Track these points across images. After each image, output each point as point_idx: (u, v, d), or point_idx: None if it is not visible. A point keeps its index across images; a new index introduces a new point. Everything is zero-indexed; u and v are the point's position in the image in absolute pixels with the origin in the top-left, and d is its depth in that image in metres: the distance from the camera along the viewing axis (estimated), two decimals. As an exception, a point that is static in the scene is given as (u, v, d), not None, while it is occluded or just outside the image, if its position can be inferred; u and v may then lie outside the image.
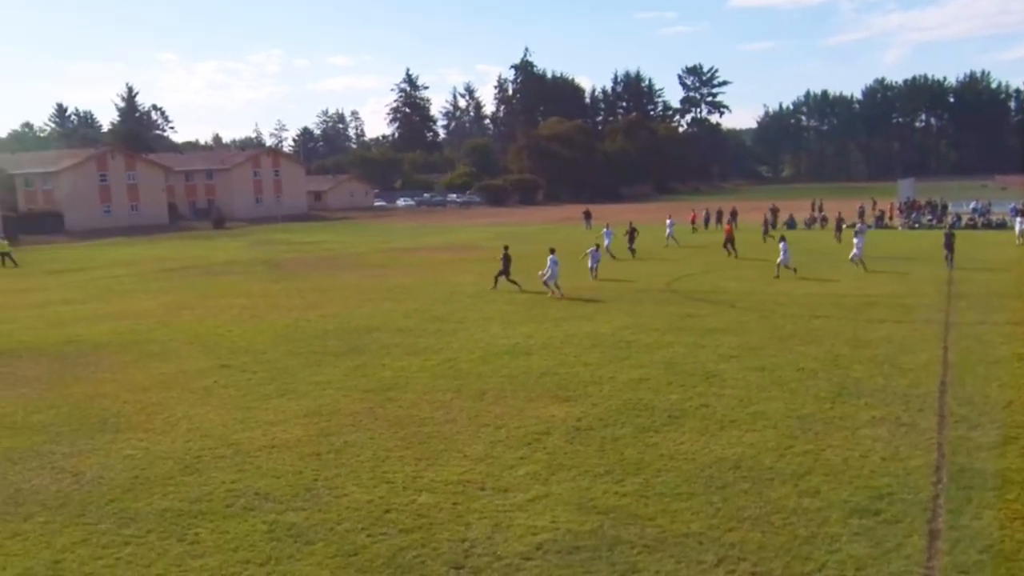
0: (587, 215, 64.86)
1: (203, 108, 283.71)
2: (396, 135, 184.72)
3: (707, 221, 60.68)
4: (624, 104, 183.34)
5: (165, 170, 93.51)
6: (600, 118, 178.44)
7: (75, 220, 78.69)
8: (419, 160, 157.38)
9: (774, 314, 23.84)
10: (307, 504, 10.96)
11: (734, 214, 57.45)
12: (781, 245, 32.29)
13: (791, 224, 59.79)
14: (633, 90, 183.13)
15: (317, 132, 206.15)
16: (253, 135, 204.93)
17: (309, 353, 20.27)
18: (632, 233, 41.36)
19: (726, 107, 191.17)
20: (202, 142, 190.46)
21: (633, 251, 40.89)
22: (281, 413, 15.18)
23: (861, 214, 59.93)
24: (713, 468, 11.83)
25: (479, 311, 25.83)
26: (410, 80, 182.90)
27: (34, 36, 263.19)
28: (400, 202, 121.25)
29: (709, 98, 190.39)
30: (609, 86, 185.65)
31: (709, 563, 9.12)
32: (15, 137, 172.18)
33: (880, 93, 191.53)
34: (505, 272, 29.64)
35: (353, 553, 9.55)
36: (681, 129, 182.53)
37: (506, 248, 30.61)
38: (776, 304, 25.56)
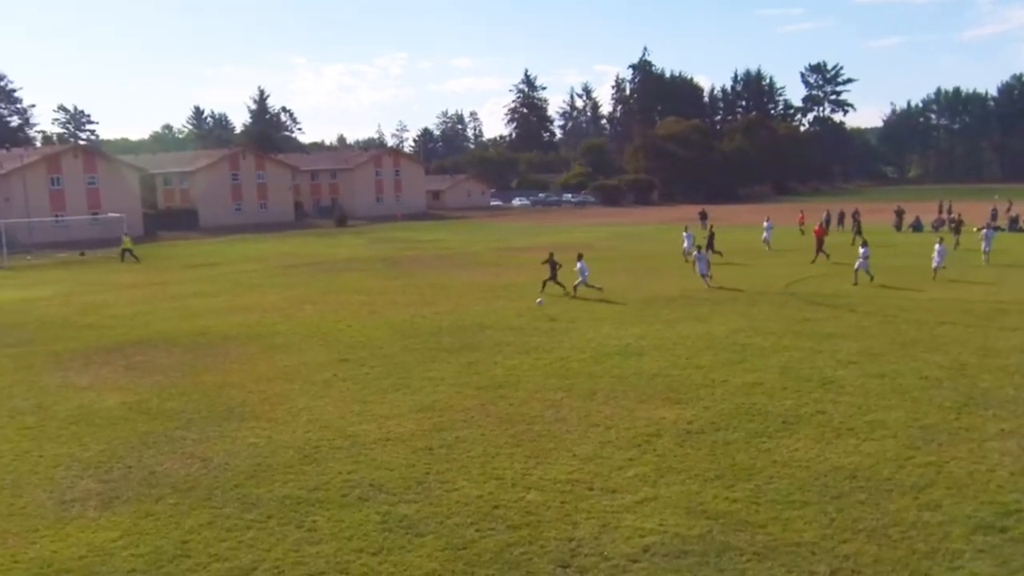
0: (703, 215, 63.74)
1: (330, 110, 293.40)
2: (513, 135, 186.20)
3: (827, 222, 58.37)
4: (744, 103, 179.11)
5: (292, 170, 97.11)
6: (718, 117, 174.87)
7: (208, 217, 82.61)
8: (535, 160, 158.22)
9: (896, 319, 22.92)
10: (419, 497, 11.23)
11: (856, 216, 55.35)
12: (861, 251, 30.60)
13: (917, 226, 57.09)
14: (753, 88, 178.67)
15: (437, 133, 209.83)
16: (376, 136, 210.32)
17: (424, 349, 20.71)
18: (711, 237, 39.78)
19: (851, 105, 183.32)
20: (327, 143, 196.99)
21: (718, 253, 39.67)
22: (396, 407, 15.59)
23: (994, 216, 56.77)
24: (828, 477, 11.50)
25: (591, 311, 25.80)
26: (528, 81, 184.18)
27: (176, 44, 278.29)
28: (516, 202, 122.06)
29: (833, 96, 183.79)
30: (728, 85, 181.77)
31: (821, 574, 8.90)
32: (156, 138, 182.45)
33: (1017, 90, 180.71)
34: (552, 277, 29.53)
35: (462, 547, 9.74)
36: (803, 128, 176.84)
37: (551, 255, 30.43)
38: (899, 309, 24.55)
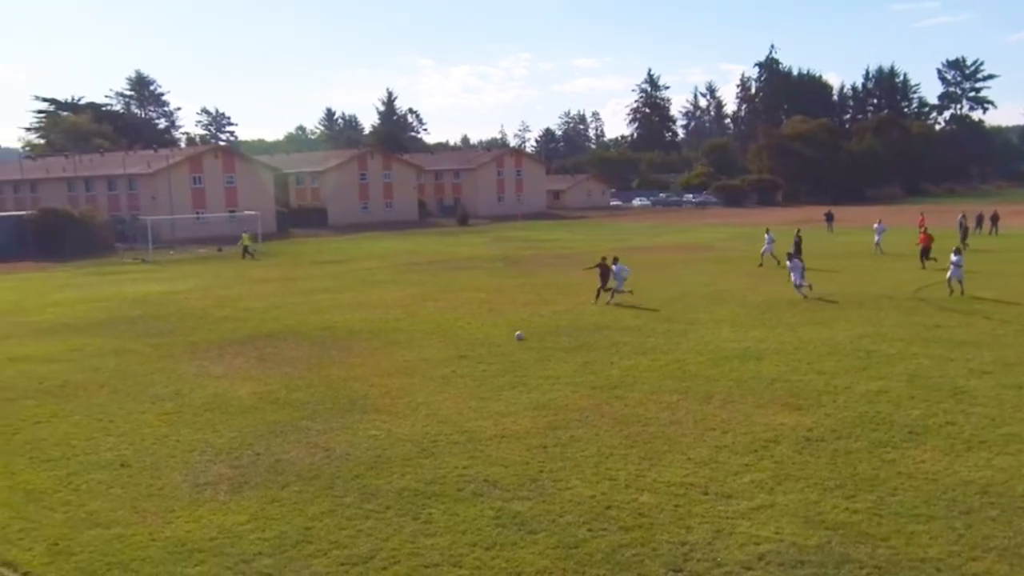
0: (829, 217, 61.61)
1: (455, 111, 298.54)
2: (635, 135, 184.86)
3: (961, 226, 55.19)
4: (875, 101, 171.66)
5: (417, 169, 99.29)
6: (847, 116, 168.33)
7: (337, 215, 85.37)
8: (656, 160, 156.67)
9: (1041, 328, 21.63)
10: (532, 494, 11.35)
11: (995, 219, 52.43)
12: (953, 258, 27.81)
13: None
14: (886, 86, 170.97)
15: (558, 133, 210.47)
16: (499, 136, 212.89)
17: (541, 348, 20.85)
18: (799, 241, 37.70)
19: (991, 103, 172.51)
20: (451, 143, 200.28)
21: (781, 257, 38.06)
22: (512, 404, 15.77)
23: None
24: (957, 491, 11.00)
25: (710, 313, 25.39)
26: (651, 80, 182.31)
27: (312, 48, 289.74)
28: (636, 201, 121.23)
29: (972, 93, 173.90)
30: (859, 82, 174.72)
31: (947, 592, 8.54)
32: (290, 139, 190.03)
33: None
34: (603, 285, 27.83)
35: (574, 546, 9.79)
36: (938, 127, 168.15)
37: (603, 259, 28.63)
38: (1043, 318, 23.15)
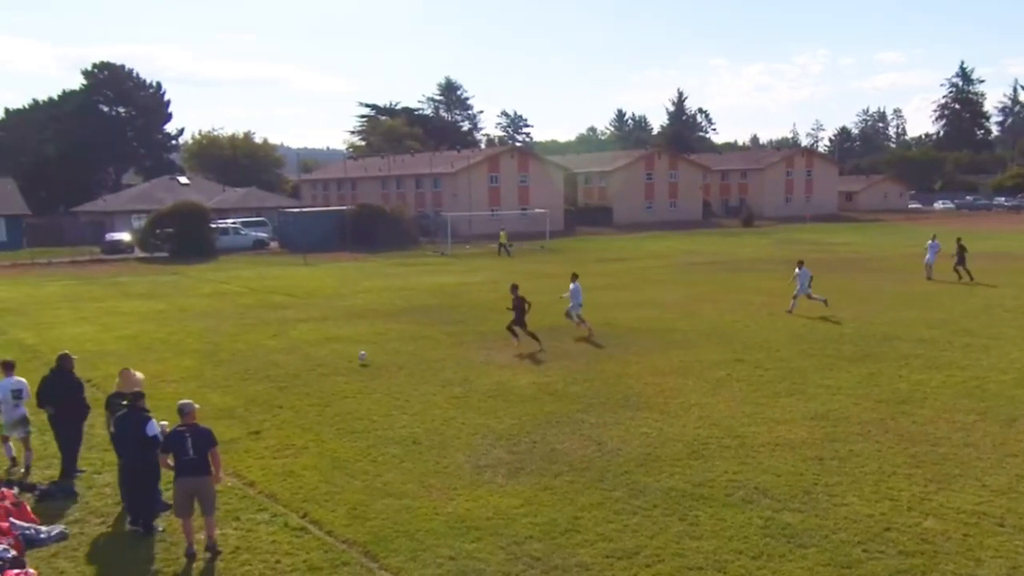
0: None
1: (745, 110, 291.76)
2: (941, 133, 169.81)
3: None
4: None
5: (703, 169, 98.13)
6: None
7: (622, 214, 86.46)
8: (964, 160, 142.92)
9: None
10: (804, 507, 10.99)
11: None
12: None
13: None
14: None
15: (855, 131, 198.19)
16: (790, 135, 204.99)
17: (822, 356, 19.97)
18: (961, 252, 33.54)
19: None
20: (740, 143, 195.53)
21: (959, 272, 33.63)
22: (788, 412, 15.29)
23: None
24: None
25: (1018, 327, 22.92)
26: (963, 74, 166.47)
27: (606, 51, 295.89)
28: (937, 204, 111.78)
29: None
30: None
31: None
32: (581, 140, 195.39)
33: None
34: (517, 321, 21.93)
35: (847, 565, 9.39)
36: None
37: (514, 288, 22.34)
38: None
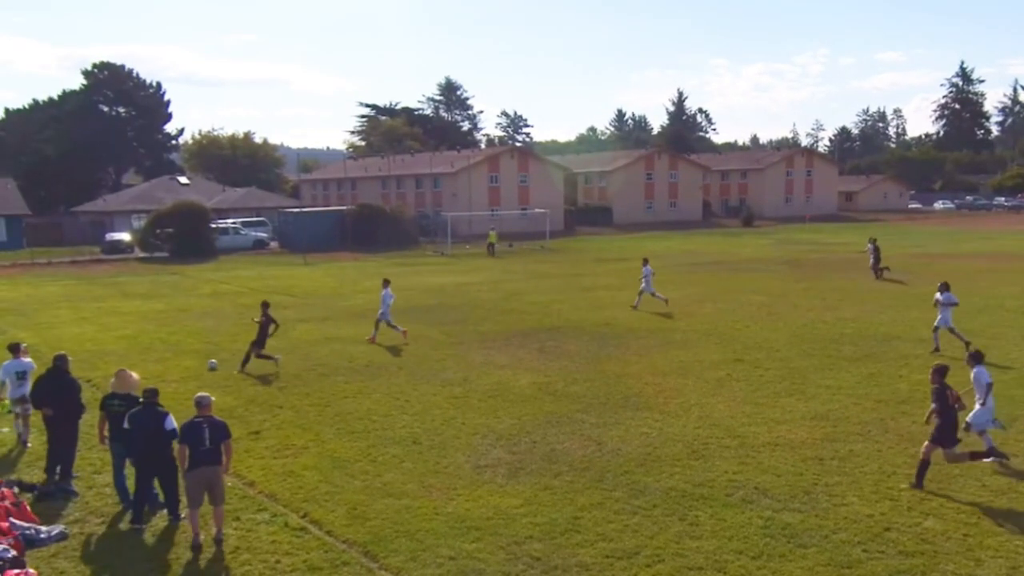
0: None
1: (745, 110, 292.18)
2: (941, 133, 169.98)
3: None
4: None
5: (703, 170, 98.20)
6: None
7: (621, 214, 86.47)
8: (964, 160, 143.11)
9: None
10: (804, 507, 10.99)
11: None
12: None
13: None
14: None
15: (855, 131, 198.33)
16: (790, 135, 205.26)
17: (823, 356, 19.98)
18: (876, 252, 35.13)
19: None
20: (740, 143, 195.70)
21: (877, 272, 35.21)
22: (788, 412, 15.30)
23: None
24: None
25: (1018, 327, 22.92)
26: (963, 74, 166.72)
27: (606, 51, 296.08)
28: (937, 205, 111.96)
29: None
30: None
31: None
32: (581, 140, 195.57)
33: None
34: (257, 347, 19.96)
35: (847, 565, 9.39)
36: None
37: (265, 305, 20.58)
38: None
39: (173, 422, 10.90)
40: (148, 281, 41.02)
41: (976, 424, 12.43)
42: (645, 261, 28.18)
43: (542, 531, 10.45)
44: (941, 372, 12.00)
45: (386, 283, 23.82)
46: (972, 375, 12.58)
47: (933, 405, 11.81)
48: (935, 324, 20.44)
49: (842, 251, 50.98)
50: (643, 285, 27.65)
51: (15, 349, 14.30)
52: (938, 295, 20.62)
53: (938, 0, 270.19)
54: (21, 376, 13.96)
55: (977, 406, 12.47)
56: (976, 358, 12.75)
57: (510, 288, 35.18)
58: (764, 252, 51.81)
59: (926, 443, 11.67)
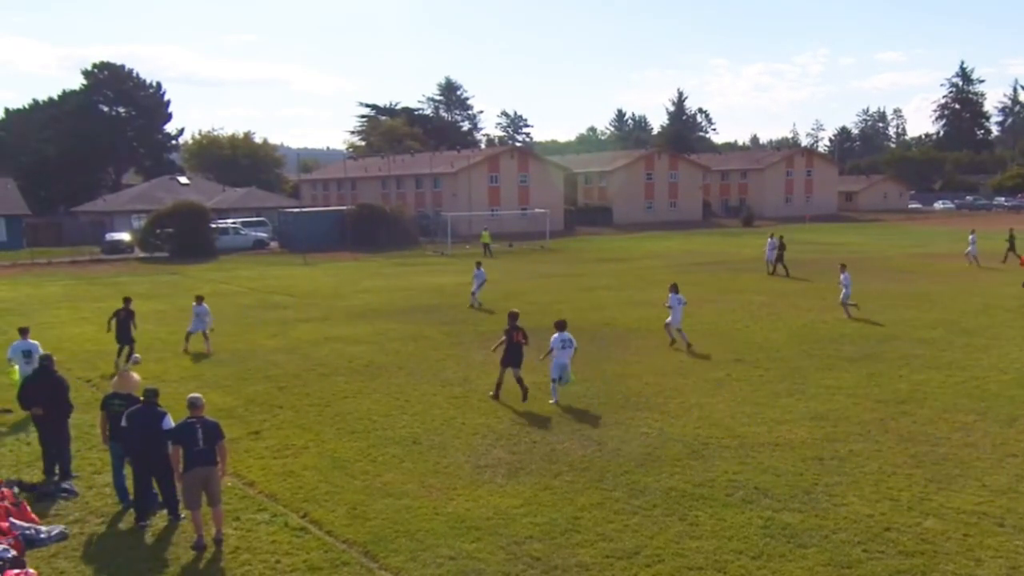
0: None
1: (745, 110, 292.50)
2: (941, 133, 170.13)
3: None
4: None
5: (703, 170, 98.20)
6: None
7: (621, 214, 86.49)
8: (964, 160, 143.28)
9: None
10: (804, 507, 10.99)
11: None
12: None
13: None
14: None
15: (855, 131, 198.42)
16: (790, 135, 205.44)
17: (823, 356, 19.98)
18: (781, 248, 37.44)
19: None
20: (740, 143, 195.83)
21: (774, 267, 37.72)
22: (788, 412, 15.30)
23: None
24: None
25: (1018, 327, 22.92)
26: (963, 74, 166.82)
27: (606, 51, 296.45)
28: (938, 204, 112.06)
29: None
30: None
31: None
32: (581, 140, 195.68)
33: None
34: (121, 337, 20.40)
35: (846, 565, 9.38)
36: None
37: (127, 302, 21.01)
38: None
39: (171, 422, 10.90)
40: (148, 281, 41.02)
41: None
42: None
43: (542, 531, 10.45)
44: (513, 317, 17.10)
45: (199, 299, 22.50)
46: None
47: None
48: (667, 321, 21.90)
49: (842, 251, 50.94)
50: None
51: (24, 332, 16.53)
52: (670, 296, 21.72)
53: (938, 0, 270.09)
54: (27, 355, 15.67)
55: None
56: (559, 326, 16.82)
57: (510, 288, 35.18)
58: (764, 252, 51.66)
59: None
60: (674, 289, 21.70)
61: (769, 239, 40.14)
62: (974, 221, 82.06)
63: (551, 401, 16.19)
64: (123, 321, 20.60)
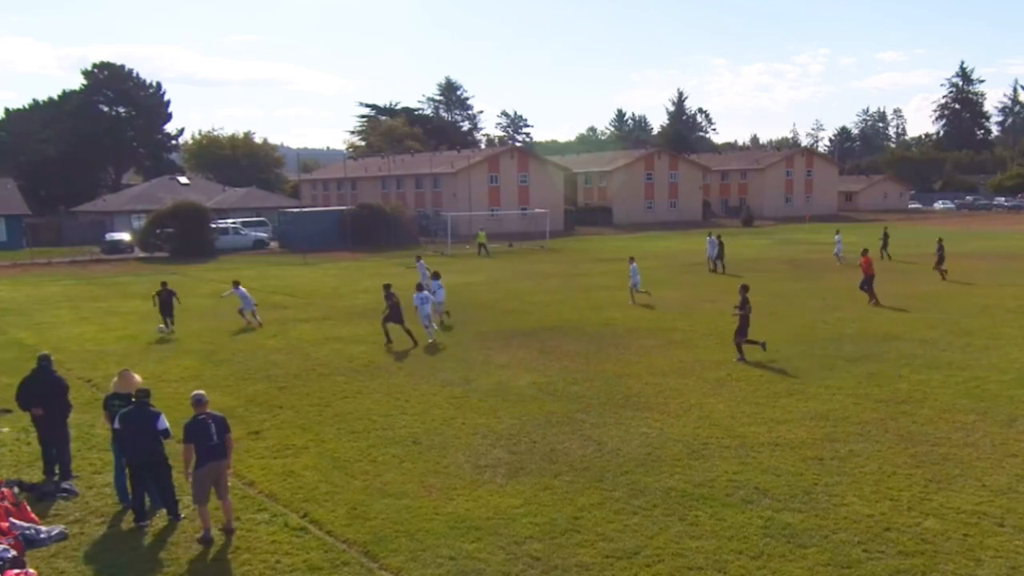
0: None
1: (745, 109, 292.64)
2: (941, 133, 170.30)
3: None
4: None
5: (703, 170, 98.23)
6: None
7: (621, 214, 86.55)
8: (964, 160, 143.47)
9: None
10: (804, 507, 10.98)
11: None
12: None
13: None
14: None
15: (855, 131, 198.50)
16: (790, 135, 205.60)
17: (823, 356, 19.97)
18: (720, 247, 39.83)
19: None
20: (740, 143, 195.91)
21: (715, 265, 40.03)
22: (788, 412, 15.29)
23: None
24: None
25: (1018, 327, 22.92)
26: (963, 74, 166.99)
27: (606, 51, 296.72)
28: (938, 204, 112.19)
29: None
30: None
31: None
32: (581, 140, 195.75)
33: None
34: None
35: (846, 565, 9.37)
36: None
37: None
38: None
39: (165, 422, 10.94)
40: (148, 281, 40.98)
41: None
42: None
43: (542, 531, 10.44)
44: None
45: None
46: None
47: None
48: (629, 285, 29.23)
49: (842, 251, 50.84)
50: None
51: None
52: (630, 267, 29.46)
53: (938, 0, 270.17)
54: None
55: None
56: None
57: (510, 288, 35.19)
58: (763, 252, 51.82)
59: None
60: (632, 260, 29.57)
61: (708, 238, 42.00)
62: (974, 221, 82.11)
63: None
64: (164, 299, 25.21)
